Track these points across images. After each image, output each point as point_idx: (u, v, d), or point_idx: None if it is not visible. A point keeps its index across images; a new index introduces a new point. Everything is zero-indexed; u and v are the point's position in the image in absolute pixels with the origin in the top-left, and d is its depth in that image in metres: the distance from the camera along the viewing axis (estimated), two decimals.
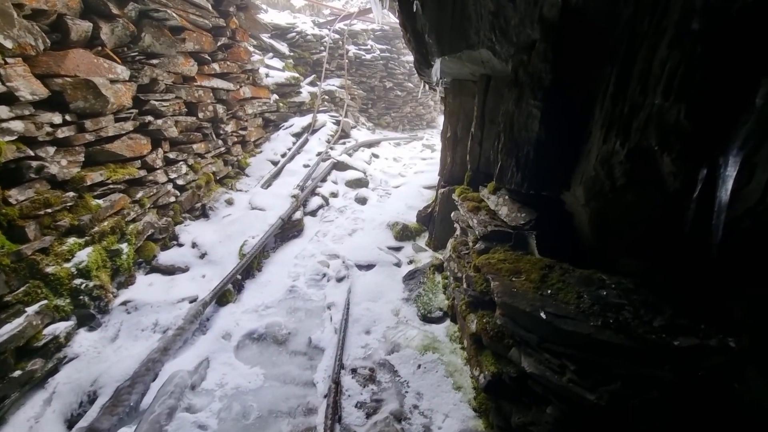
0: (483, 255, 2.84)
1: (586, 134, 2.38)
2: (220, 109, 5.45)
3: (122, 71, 3.72)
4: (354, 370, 2.83)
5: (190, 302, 3.34)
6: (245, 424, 2.42)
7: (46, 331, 2.67)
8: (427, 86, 5.23)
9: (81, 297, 2.96)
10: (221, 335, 3.13)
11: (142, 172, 3.95)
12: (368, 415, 2.49)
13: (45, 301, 2.71)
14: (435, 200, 4.89)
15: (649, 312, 1.93)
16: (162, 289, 3.44)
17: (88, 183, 3.25)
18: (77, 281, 2.96)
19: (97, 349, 2.83)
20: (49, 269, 2.79)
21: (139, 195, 3.82)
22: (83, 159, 3.28)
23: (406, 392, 2.67)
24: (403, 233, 4.92)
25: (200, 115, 5.03)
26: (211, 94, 5.36)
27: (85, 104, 3.27)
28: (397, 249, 4.73)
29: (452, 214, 3.93)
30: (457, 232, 3.82)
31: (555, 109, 2.40)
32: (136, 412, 2.42)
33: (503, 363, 2.23)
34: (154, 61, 4.22)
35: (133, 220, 3.75)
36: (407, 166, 8.02)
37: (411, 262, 4.44)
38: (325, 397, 2.62)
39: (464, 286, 3.01)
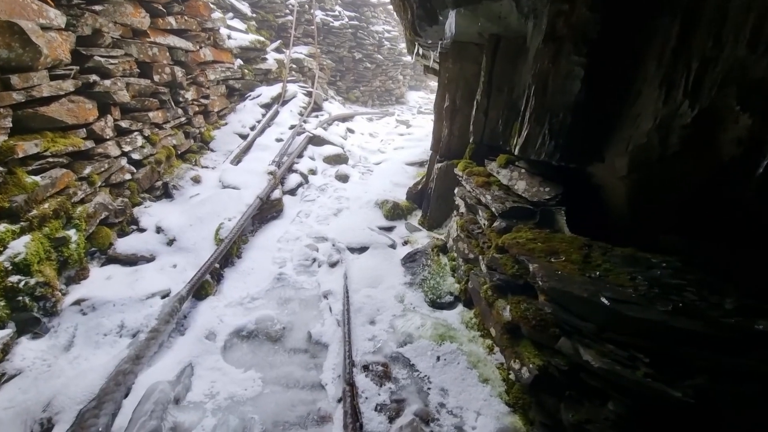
0: (506, 234, 2.58)
1: (632, 96, 2.13)
2: (179, 72, 4.70)
3: (56, 16, 2.97)
4: (366, 367, 2.50)
5: (162, 297, 2.82)
6: None
7: None
8: (420, 50, 4.80)
9: (20, 298, 2.36)
10: (204, 335, 2.66)
11: (89, 144, 3.26)
12: (391, 419, 2.18)
13: None
14: (428, 176, 4.57)
15: (713, 293, 1.75)
16: (124, 284, 2.87)
17: (20, 155, 2.58)
18: (13, 279, 2.34)
19: (47, 362, 2.28)
20: None
21: (87, 171, 3.16)
22: (11, 125, 2.58)
23: (429, 389, 2.39)
24: (394, 212, 4.58)
25: (156, 77, 4.29)
26: (168, 54, 4.59)
27: (9, 54, 2.55)
28: (389, 229, 4.39)
29: (456, 191, 3.63)
30: (461, 209, 3.53)
31: (600, 66, 2.11)
32: None
33: (548, 354, 1.99)
34: (97, 8, 3.46)
35: (82, 202, 3.10)
36: (385, 142, 7.61)
37: (406, 242, 4.12)
38: (339, 401, 2.28)
39: (483, 268, 2.74)
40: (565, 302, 1.89)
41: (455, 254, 3.36)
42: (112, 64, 3.58)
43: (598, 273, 1.98)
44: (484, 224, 2.96)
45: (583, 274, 1.99)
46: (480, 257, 2.86)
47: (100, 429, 1.93)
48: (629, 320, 1.68)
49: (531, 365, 1.98)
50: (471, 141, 3.64)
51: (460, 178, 3.59)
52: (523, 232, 2.49)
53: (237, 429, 2.08)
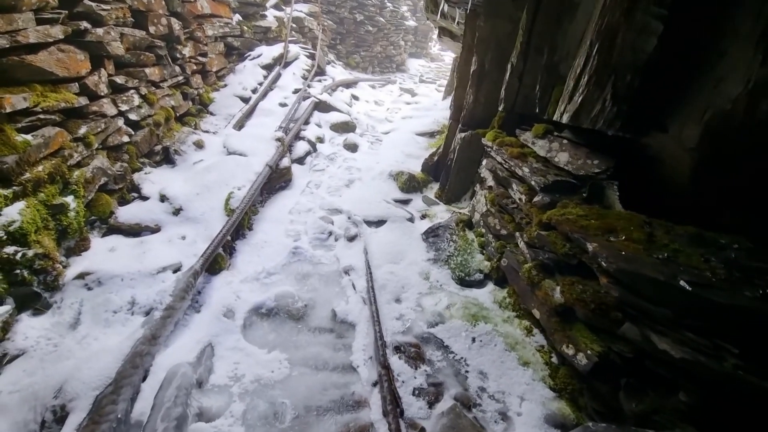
0: (551, 210, 2.39)
1: (713, 57, 1.90)
2: (176, 24, 4.26)
3: None
4: (398, 348, 2.35)
5: (174, 272, 2.59)
6: (281, 429, 1.88)
7: None
8: (445, 7, 4.41)
9: (18, 271, 2.11)
10: (221, 313, 2.47)
11: (83, 100, 2.91)
12: (430, 404, 2.06)
13: None
14: (446, 147, 4.32)
15: None
16: (131, 256, 2.63)
17: (7, 109, 2.25)
18: (9, 250, 2.09)
19: (52, 341, 2.06)
20: None
21: (83, 131, 2.83)
22: None
23: (467, 372, 2.26)
24: (410, 184, 4.35)
25: (151, 29, 3.86)
26: (163, 3, 4.13)
27: None
28: (405, 202, 4.18)
29: (484, 162, 3.41)
30: (489, 182, 3.32)
31: (680, 22, 1.87)
32: (127, 426, 1.78)
33: (608, 340, 1.85)
34: None
35: (78, 165, 2.79)
36: (392, 111, 7.26)
37: (424, 216, 3.92)
38: (374, 385, 2.14)
39: (521, 246, 2.57)
40: (634, 285, 1.73)
41: (483, 230, 3.18)
42: (104, 10, 3.16)
43: (665, 254, 1.81)
44: (521, 199, 2.76)
45: (650, 254, 1.83)
46: (517, 234, 2.68)
47: (119, 416, 1.75)
48: (713, 307, 1.53)
49: (589, 351, 1.84)
50: (501, 109, 3.39)
51: (488, 150, 3.36)
52: (571, 208, 2.30)
53: (268, 414, 1.93)
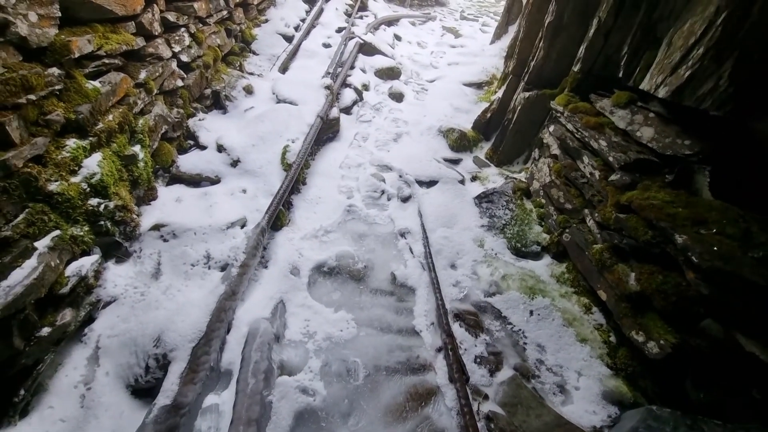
0: (631, 192, 2.29)
1: None
2: None
3: None
4: (458, 316, 2.43)
5: (241, 227, 2.65)
6: (356, 386, 2.03)
7: (68, 271, 1.96)
8: None
9: (101, 222, 2.19)
10: (288, 270, 2.56)
11: (140, 41, 2.79)
12: (491, 373, 2.17)
13: (57, 232, 1.94)
14: (501, 104, 4.08)
15: None
16: (199, 209, 2.69)
17: (76, 54, 2.17)
18: (93, 201, 2.14)
19: (138, 290, 2.20)
20: (53, 186, 1.94)
21: (143, 75, 2.75)
22: (59, 14, 2.13)
23: (525, 344, 2.34)
24: (460, 143, 4.20)
25: None
26: None
27: None
28: (455, 162, 4.07)
29: (551, 128, 3.22)
30: (554, 150, 3.17)
31: None
32: (217, 374, 1.94)
33: (683, 332, 1.86)
34: None
35: (141, 113, 2.76)
36: (436, 55, 6.79)
37: (475, 178, 3.83)
38: (439, 351, 2.25)
39: (591, 225, 2.51)
40: (727, 285, 1.69)
41: (544, 201, 3.10)
42: None
43: (762, 253, 1.75)
44: (593, 174, 2.64)
45: (745, 252, 1.77)
46: (585, 211, 2.61)
47: (211, 365, 1.91)
48: None
49: (662, 342, 1.87)
50: (577, 69, 3.12)
51: (557, 114, 3.16)
52: (654, 191, 2.20)
53: (342, 372, 2.07)
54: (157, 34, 3.00)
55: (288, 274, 2.53)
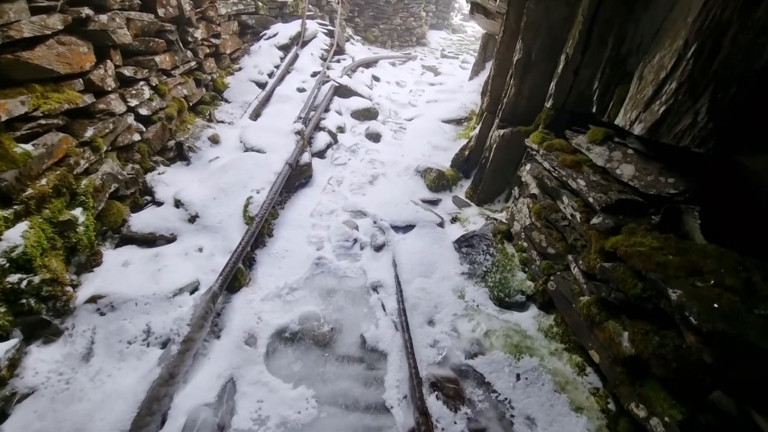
0: (615, 237, 2.08)
1: None
2: (186, 4, 3.91)
3: None
4: (435, 385, 2.14)
5: (192, 292, 2.40)
6: None
7: None
8: None
9: (24, 301, 1.94)
10: (243, 339, 2.28)
11: (89, 98, 2.66)
12: None
13: None
14: (479, 141, 3.96)
15: None
16: (145, 273, 2.44)
17: (3, 117, 2.01)
18: (13, 278, 1.90)
19: (64, 377, 1.91)
20: None
21: (89, 133, 2.59)
22: None
23: (512, 417, 2.04)
24: (439, 182, 4.04)
25: (160, 11, 3.54)
26: None
27: None
28: (434, 202, 3.88)
29: (527, 167, 3.06)
30: (532, 189, 2.99)
31: None
32: None
33: (690, 406, 1.59)
34: None
35: (86, 173, 2.57)
36: (415, 93, 6.81)
37: (455, 219, 3.63)
38: None
39: (577, 274, 2.28)
40: (733, 351, 1.44)
41: (526, 244, 2.88)
42: None
43: None
44: (574, 215, 2.44)
45: (750, 309, 1.53)
46: (569, 257, 2.38)
47: None
48: None
49: (667, 418, 1.59)
50: (549, 105, 3.00)
51: (533, 152, 3.01)
52: (640, 236, 1.99)
53: None
54: (110, 89, 2.88)
55: (242, 344, 2.25)
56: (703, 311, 1.52)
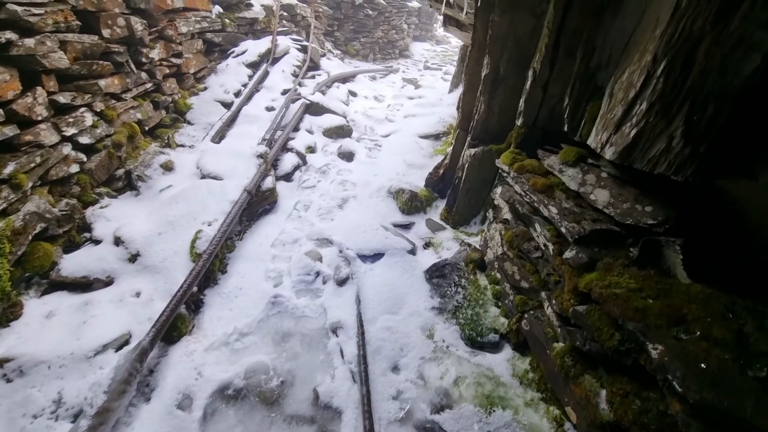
0: (589, 274, 1.84)
1: None
2: (137, 24, 3.68)
3: None
4: None
5: (118, 349, 2.12)
6: None
7: None
8: None
9: None
10: (175, 402, 2.00)
11: (10, 130, 2.40)
12: None
13: None
14: (453, 159, 3.74)
15: None
16: (69, 327, 2.16)
17: None
18: None
19: None
20: None
21: (9, 169, 2.34)
22: None
23: None
24: (412, 204, 3.80)
25: (105, 32, 3.30)
26: (120, 0, 3.55)
27: None
28: (406, 226, 3.64)
29: (499, 190, 2.84)
30: (505, 214, 2.76)
31: None
32: None
33: None
34: None
35: (4, 213, 2.30)
36: (393, 108, 6.62)
37: (428, 245, 3.39)
38: None
39: (550, 315, 2.04)
40: (724, 427, 1.20)
41: (499, 275, 2.64)
42: (35, 15, 2.62)
43: (766, 371, 1.27)
44: (547, 245, 2.21)
45: (743, 370, 1.30)
46: (543, 294, 2.15)
47: None
48: None
49: None
50: (520, 123, 2.79)
51: (504, 174, 2.79)
52: (616, 275, 1.75)
53: None
54: (39, 119, 2.62)
55: (174, 409, 1.96)
56: (688, 375, 1.28)
